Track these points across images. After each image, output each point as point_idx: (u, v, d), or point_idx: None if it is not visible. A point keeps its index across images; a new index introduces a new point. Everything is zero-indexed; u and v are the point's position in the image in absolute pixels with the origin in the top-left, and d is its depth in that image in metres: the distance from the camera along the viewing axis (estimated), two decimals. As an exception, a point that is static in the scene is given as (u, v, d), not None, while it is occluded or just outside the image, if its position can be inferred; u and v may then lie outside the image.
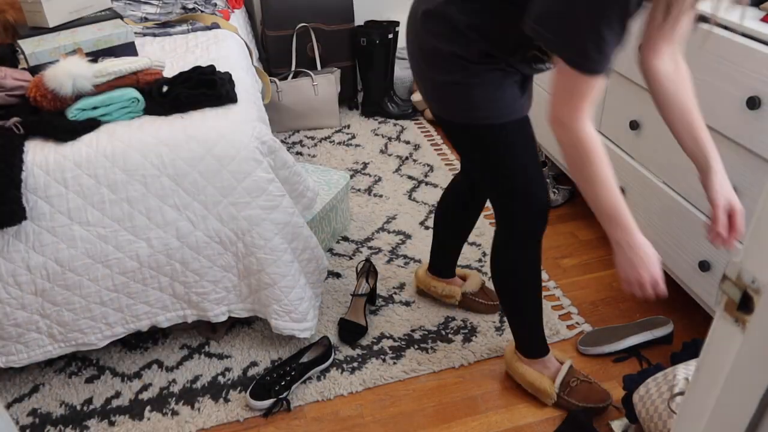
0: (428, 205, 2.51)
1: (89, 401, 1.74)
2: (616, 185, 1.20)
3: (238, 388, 1.75)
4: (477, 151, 1.41)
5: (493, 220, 2.41)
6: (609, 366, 1.78)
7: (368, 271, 2.03)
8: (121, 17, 2.01)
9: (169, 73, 1.88)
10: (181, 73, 1.72)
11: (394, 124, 3.15)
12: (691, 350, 1.71)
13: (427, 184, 2.65)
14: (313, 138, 3.05)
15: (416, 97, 3.17)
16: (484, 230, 2.35)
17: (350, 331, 1.88)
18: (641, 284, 1.22)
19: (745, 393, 0.55)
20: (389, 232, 2.37)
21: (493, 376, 1.77)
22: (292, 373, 1.71)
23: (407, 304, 2.02)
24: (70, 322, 1.66)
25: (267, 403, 1.67)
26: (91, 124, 1.60)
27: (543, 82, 2.45)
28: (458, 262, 2.18)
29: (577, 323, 1.93)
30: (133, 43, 1.88)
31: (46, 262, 1.57)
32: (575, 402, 1.62)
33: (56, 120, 1.58)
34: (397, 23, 3.11)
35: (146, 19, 2.42)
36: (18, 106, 1.68)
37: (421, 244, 2.29)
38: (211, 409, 1.70)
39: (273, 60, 3.15)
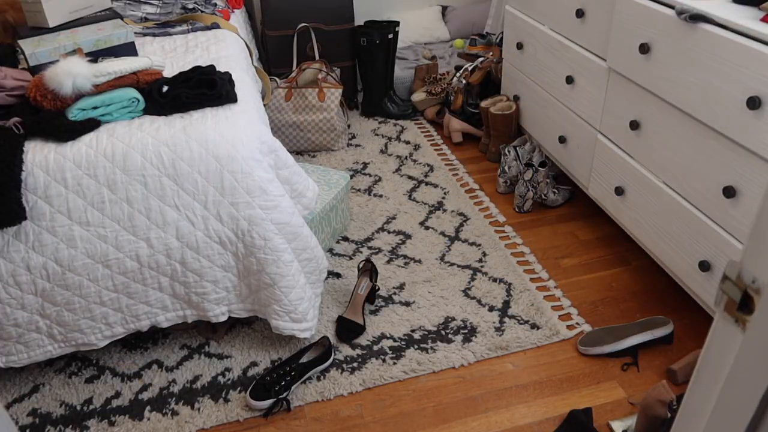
0: (428, 205, 2.51)
1: (89, 401, 1.74)
2: None
3: (238, 388, 1.75)
4: None
5: (493, 219, 2.41)
6: (609, 366, 1.78)
7: (369, 270, 2.03)
8: (121, 17, 2.01)
9: (169, 73, 1.88)
10: (181, 73, 1.72)
11: (394, 124, 3.15)
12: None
13: (427, 184, 2.65)
14: (313, 138, 3.05)
15: (416, 97, 3.17)
16: (484, 230, 2.35)
17: (348, 330, 1.88)
18: None
19: (745, 393, 0.55)
20: (389, 232, 2.37)
21: (493, 376, 1.77)
22: (292, 373, 1.71)
23: (407, 304, 2.02)
24: (70, 322, 1.66)
25: (267, 403, 1.67)
26: (91, 124, 1.60)
27: (538, 79, 2.46)
28: (457, 261, 2.19)
29: (577, 323, 1.93)
30: (133, 43, 1.88)
31: (46, 262, 1.57)
32: None
33: (56, 120, 1.58)
34: (397, 23, 3.11)
35: (146, 19, 2.42)
36: (18, 106, 1.68)
37: (421, 244, 2.29)
38: (211, 409, 1.70)
39: (273, 60, 3.15)
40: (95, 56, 1.78)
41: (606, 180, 2.12)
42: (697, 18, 1.58)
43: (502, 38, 2.94)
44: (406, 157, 2.86)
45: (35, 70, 1.71)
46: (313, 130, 2.85)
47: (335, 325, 1.93)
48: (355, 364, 1.81)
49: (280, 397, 1.67)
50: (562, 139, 2.36)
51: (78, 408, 1.72)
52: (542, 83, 2.48)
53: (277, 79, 2.94)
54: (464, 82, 3.00)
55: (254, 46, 2.82)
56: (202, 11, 2.47)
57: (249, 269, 1.70)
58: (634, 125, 1.89)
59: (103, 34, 1.83)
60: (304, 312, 1.76)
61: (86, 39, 1.80)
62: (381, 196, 2.59)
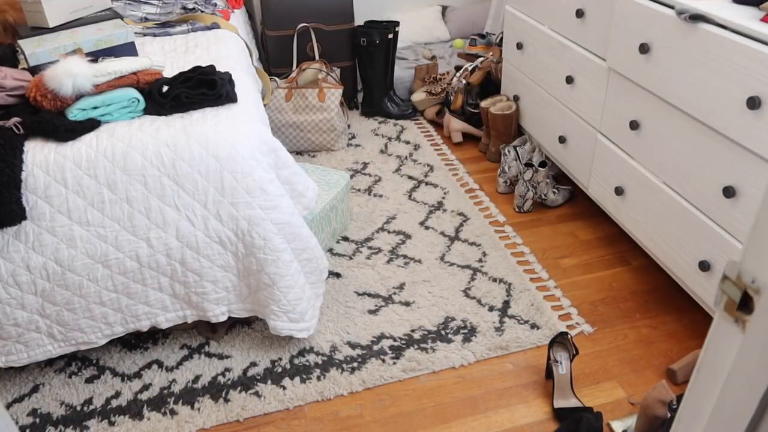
0: (428, 205, 2.51)
1: (89, 401, 1.74)
2: None
3: (238, 388, 1.75)
4: None
5: (493, 219, 2.41)
6: (609, 366, 1.79)
7: (566, 345, 1.73)
8: (121, 17, 2.01)
9: (169, 73, 1.88)
10: (181, 73, 1.72)
11: (394, 124, 3.15)
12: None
13: (427, 184, 2.65)
14: (313, 138, 3.05)
15: (416, 97, 3.17)
16: (484, 230, 2.35)
17: (576, 420, 1.57)
18: None
19: (745, 393, 0.55)
20: (389, 232, 2.37)
21: (493, 376, 1.77)
22: None
23: (407, 304, 2.02)
24: (70, 322, 1.66)
25: None
26: (91, 124, 1.60)
27: (538, 79, 2.46)
28: (457, 261, 2.18)
29: (577, 323, 1.93)
30: (133, 43, 1.88)
31: (46, 262, 1.57)
32: None
33: (56, 120, 1.58)
34: (397, 23, 3.11)
35: (146, 19, 2.42)
36: (18, 106, 1.68)
37: (421, 244, 2.29)
38: (211, 409, 1.70)
39: (273, 60, 3.15)
40: (95, 56, 1.78)
41: (606, 180, 2.12)
42: (697, 18, 1.58)
43: (502, 38, 2.94)
44: (406, 157, 2.86)
45: (35, 70, 1.72)
46: (313, 131, 2.85)
47: (556, 420, 1.64)
48: (355, 364, 1.81)
49: None
50: (562, 139, 2.36)
51: (78, 408, 1.72)
52: (542, 83, 2.48)
53: (277, 79, 2.94)
54: (464, 82, 3.00)
55: (254, 46, 2.82)
56: (202, 11, 2.47)
57: (249, 269, 1.70)
58: (634, 125, 1.89)
59: (103, 34, 1.83)
60: (302, 312, 1.76)
61: (86, 39, 1.80)
62: (381, 196, 2.59)
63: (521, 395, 1.71)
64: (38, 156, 1.54)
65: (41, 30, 1.90)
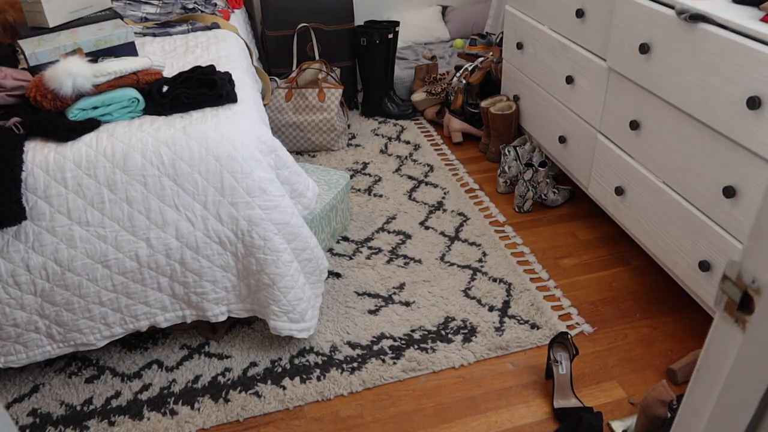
0: (428, 205, 2.51)
1: (89, 401, 1.74)
2: None
3: (238, 388, 1.75)
4: None
5: (493, 219, 2.41)
6: (609, 366, 1.78)
7: (566, 345, 1.73)
8: (121, 17, 2.01)
9: (169, 73, 1.88)
10: (181, 73, 1.72)
11: (394, 124, 3.15)
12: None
13: (427, 184, 2.65)
14: (313, 138, 3.05)
15: (416, 97, 3.17)
16: (484, 230, 2.35)
17: (577, 421, 1.57)
18: None
19: (745, 393, 0.55)
20: (389, 232, 2.37)
21: (493, 376, 1.77)
22: None
23: (407, 304, 2.02)
24: (69, 322, 1.66)
25: None
26: (91, 124, 1.60)
27: (538, 79, 2.46)
28: (457, 261, 2.18)
29: (577, 323, 1.93)
30: (133, 43, 1.88)
31: (45, 263, 1.57)
32: None
33: (56, 120, 1.58)
34: (397, 23, 3.11)
35: (146, 19, 2.41)
36: (18, 106, 1.68)
37: (421, 244, 2.29)
38: (211, 409, 1.70)
39: (273, 60, 3.15)
40: (95, 56, 1.78)
41: (606, 180, 2.12)
42: (697, 18, 1.58)
43: (502, 38, 2.94)
44: (406, 157, 2.86)
45: (35, 70, 1.71)
46: (313, 131, 2.85)
47: (556, 420, 1.64)
48: (355, 364, 1.81)
49: None
50: (562, 139, 2.36)
51: (78, 408, 1.72)
52: (542, 83, 2.48)
53: (277, 79, 2.94)
54: (464, 82, 3.00)
55: (254, 46, 2.82)
56: (202, 11, 2.47)
57: (248, 269, 1.70)
58: (634, 125, 1.89)
59: (103, 34, 1.83)
60: (302, 312, 1.76)
61: (86, 39, 1.80)
62: (381, 196, 2.58)
63: (521, 395, 1.71)
64: (38, 156, 1.54)
65: (41, 30, 1.90)
